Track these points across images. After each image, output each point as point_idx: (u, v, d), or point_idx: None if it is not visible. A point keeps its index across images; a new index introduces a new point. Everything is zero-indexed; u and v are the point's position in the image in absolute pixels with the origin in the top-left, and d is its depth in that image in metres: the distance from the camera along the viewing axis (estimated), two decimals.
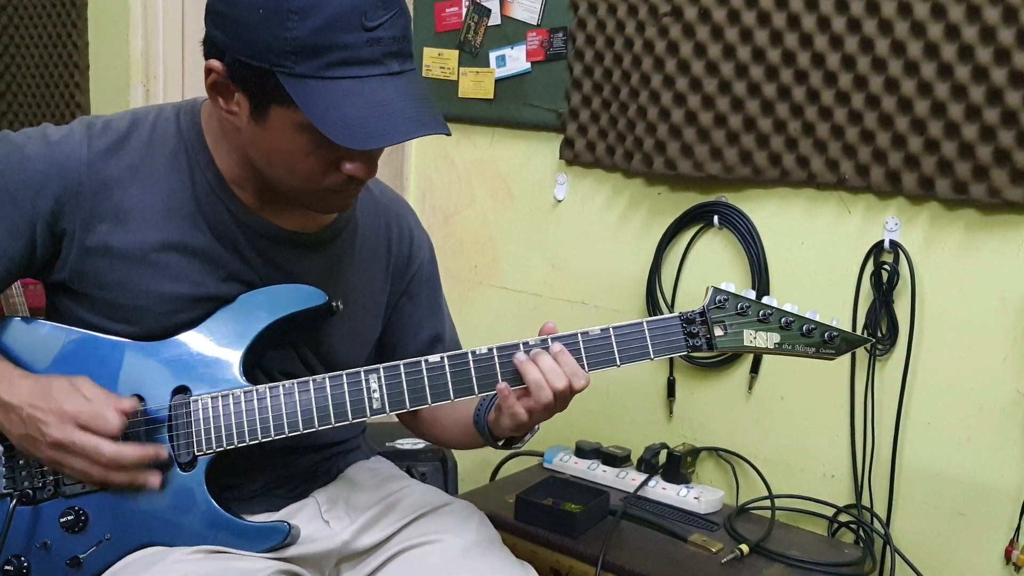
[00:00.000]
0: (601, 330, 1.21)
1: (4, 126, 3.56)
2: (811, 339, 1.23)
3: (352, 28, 1.04)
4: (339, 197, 1.20)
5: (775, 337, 1.23)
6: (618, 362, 1.21)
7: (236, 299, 1.25)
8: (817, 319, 1.24)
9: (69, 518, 1.18)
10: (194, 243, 1.22)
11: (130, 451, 1.16)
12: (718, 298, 1.23)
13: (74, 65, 3.34)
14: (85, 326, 1.23)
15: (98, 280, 1.20)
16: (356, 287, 1.37)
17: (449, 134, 1.12)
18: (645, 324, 1.22)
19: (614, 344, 1.21)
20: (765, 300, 1.24)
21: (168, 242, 1.21)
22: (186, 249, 1.22)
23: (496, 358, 1.21)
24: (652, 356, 1.22)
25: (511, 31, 2.35)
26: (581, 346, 1.21)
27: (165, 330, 1.23)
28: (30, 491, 1.20)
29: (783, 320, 1.23)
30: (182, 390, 1.22)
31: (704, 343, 1.23)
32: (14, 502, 1.18)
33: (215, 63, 1.10)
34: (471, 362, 1.21)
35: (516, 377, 1.20)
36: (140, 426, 1.20)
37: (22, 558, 1.19)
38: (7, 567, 1.18)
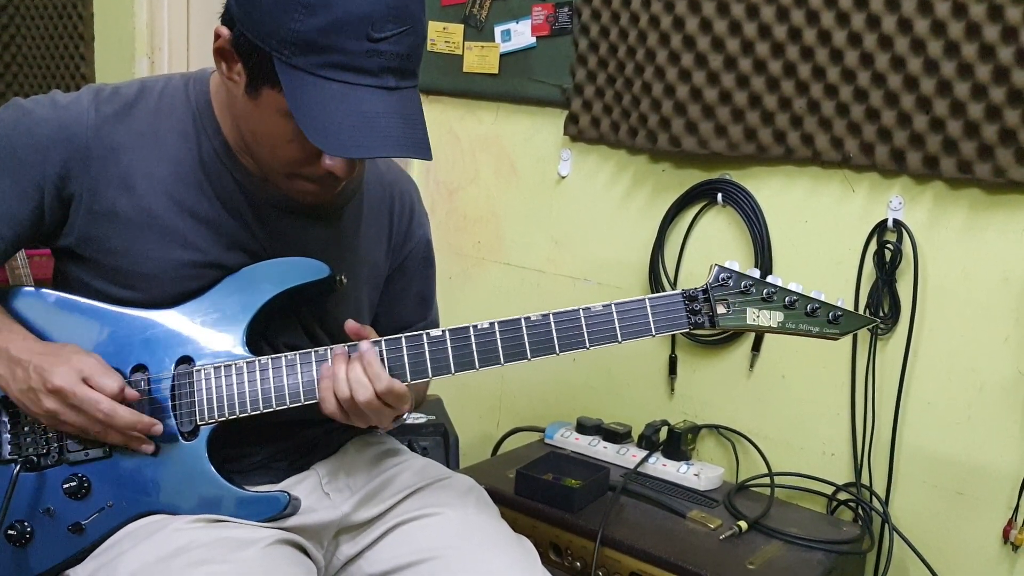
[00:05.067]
0: (603, 306, 1.21)
1: (10, 97, 3.55)
2: (815, 319, 1.22)
3: (357, 36, 1.04)
4: (315, 188, 1.21)
5: (778, 316, 1.22)
6: (620, 338, 1.21)
7: (241, 270, 1.25)
8: (822, 299, 1.23)
9: (72, 484, 1.20)
10: (200, 210, 1.23)
11: (124, 413, 1.17)
12: (721, 276, 1.23)
13: (79, 36, 3.33)
14: (91, 292, 1.25)
15: (105, 245, 1.22)
16: (360, 259, 1.38)
17: (429, 159, 1.11)
18: (647, 301, 1.21)
19: (616, 320, 1.21)
20: (769, 279, 1.23)
21: (174, 208, 1.22)
22: (192, 216, 1.23)
23: (498, 333, 1.21)
24: (654, 333, 1.21)
25: (516, 5, 2.33)
26: (583, 322, 1.21)
27: (171, 298, 1.24)
28: (34, 457, 1.21)
29: (787, 299, 1.22)
30: (185, 360, 1.23)
31: (706, 320, 1.22)
32: (18, 468, 1.19)
33: (224, 30, 1.11)
34: (472, 337, 1.21)
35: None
36: (144, 395, 1.21)
37: (25, 523, 1.20)
38: (10, 531, 1.19)
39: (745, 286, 1.22)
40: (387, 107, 1.07)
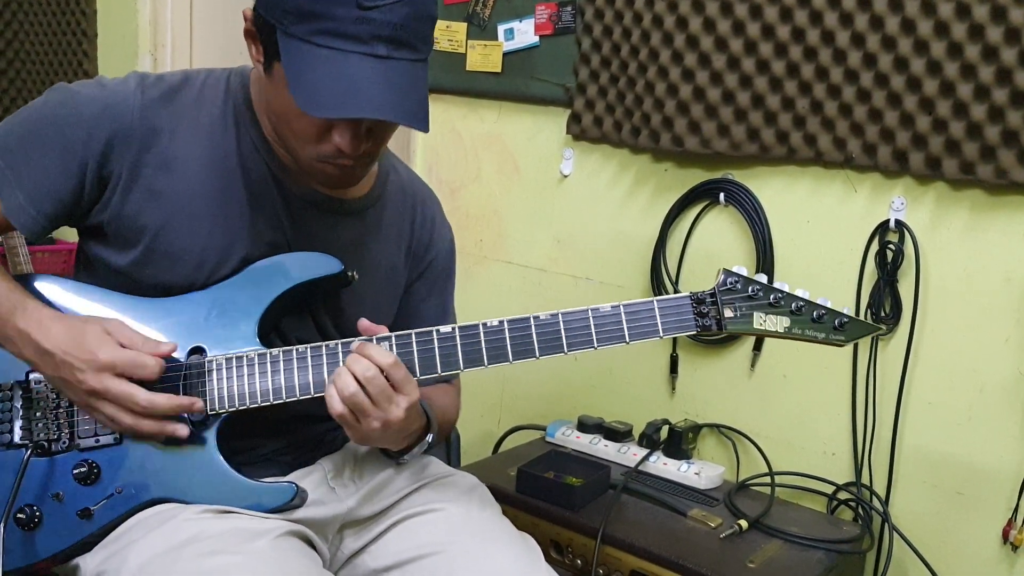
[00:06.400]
0: (611, 307, 1.22)
1: (12, 93, 3.56)
2: (821, 325, 1.22)
3: (345, 3, 1.06)
4: (336, 171, 1.21)
5: (784, 321, 1.22)
6: (627, 339, 1.22)
7: (256, 263, 1.27)
8: (829, 305, 1.23)
9: (82, 470, 1.21)
10: (232, 198, 1.26)
11: (164, 400, 1.17)
12: (729, 280, 1.23)
13: (82, 33, 3.33)
14: (112, 273, 1.27)
15: (135, 223, 1.23)
16: (379, 261, 1.39)
17: (420, 129, 1.11)
18: (655, 303, 1.22)
19: (624, 321, 1.22)
20: (776, 285, 1.23)
21: (207, 194, 1.25)
22: (223, 203, 1.25)
23: (507, 331, 1.22)
24: (662, 334, 1.22)
25: (520, 4, 2.34)
26: (591, 322, 1.21)
27: (191, 282, 1.26)
28: (45, 443, 1.23)
29: (794, 305, 1.22)
30: (197, 350, 1.25)
31: (714, 323, 1.22)
32: (29, 452, 1.20)
33: (248, 11, 1.16)
34: (482, 334, 1.22)
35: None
36: (155, 385, 1.22)
37: (35, 507, 1.21)
38: (19, 515, 1.20)
39: (752, 291, 1.22)
40: (374, 74, 1.08)
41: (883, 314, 1.90)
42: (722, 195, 2.08)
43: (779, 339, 1.25)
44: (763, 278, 1.24)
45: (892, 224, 1.87)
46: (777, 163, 2.02)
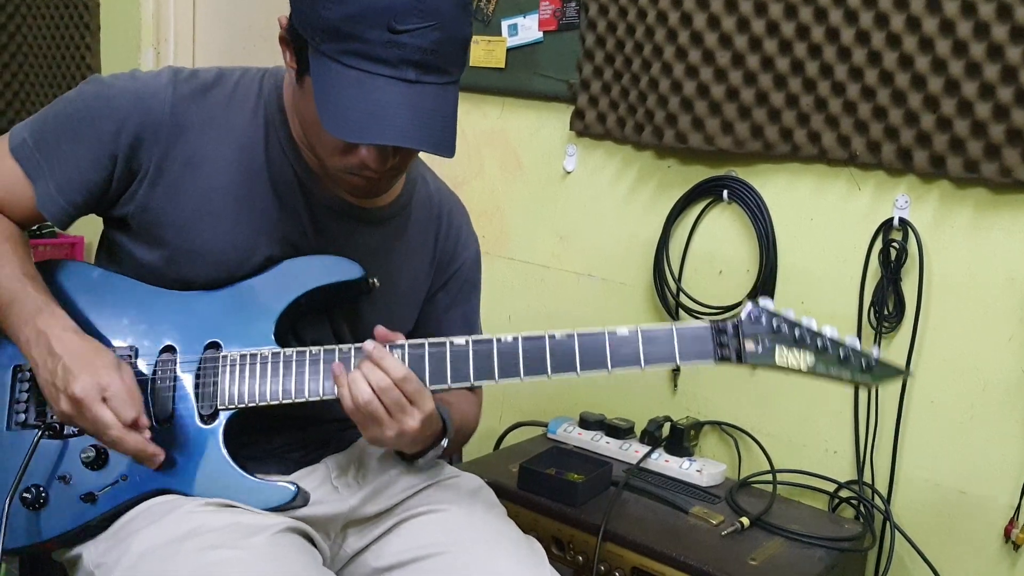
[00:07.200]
0: (629, 330, 1.19)
1: (15, 88, 3.56)
2: (847, 365, 1.18)
3: (377, 26, 1.06)
4: (361, 183, 1.22)
5: (809, 359, 1.18)
6: (643, 364, 1.19)
7: (279, 263, 1.28)
8: (858, 346, 1.19)
9: (90, 454, 1.22)
10: (257, 199, 1.26)
11: (131, 442, 1.17)
12: (753, 313, 1.20)
13: (85, 26, 3.33)
14: (135, 264, 1.28)
15: (160, 218, 1.24)
16: (400, 271, 1.39)
17: (444, 155, 1.10)
18: (674, 329, 1.19)
19: (640, 346, 1.19)
20: (804, 320, 1.19)
21: (233, 194, 1.25)
22: (249, 203, 1.26)
23: (520, 348, 1.20)
24: (678, 362, 1.19)
25: (524, 0, 2.33)
26: (607, 344, 1.19)
27: (211, 280, 1.27)
28: (57, 425, 1.24)
29: (820, 343, 1.18)
30: (214, 345, 1.26)
31: (734, 355, 1.19)
32: (39, 434, 1.21)
33: (284, 19, 1.16)
34: (495, 349, 1.21)
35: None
36: (169, 376, 1.23)
37: (41, 488, 1.22)
38: (26, 494, 1.21)
39: (777, 325, 1.19)
40: (401, 99, 1.08)
41: (886, 312, 1.90)
42: (725, 192, 2.08)
43: (803, 376, 1.20)
44: (791, 313, 1.20)
45: (896, 222, 1.87)
46: (781, 160, 2.01)
